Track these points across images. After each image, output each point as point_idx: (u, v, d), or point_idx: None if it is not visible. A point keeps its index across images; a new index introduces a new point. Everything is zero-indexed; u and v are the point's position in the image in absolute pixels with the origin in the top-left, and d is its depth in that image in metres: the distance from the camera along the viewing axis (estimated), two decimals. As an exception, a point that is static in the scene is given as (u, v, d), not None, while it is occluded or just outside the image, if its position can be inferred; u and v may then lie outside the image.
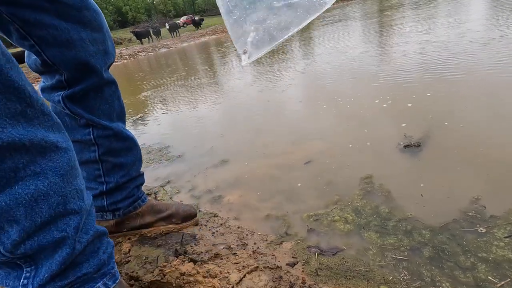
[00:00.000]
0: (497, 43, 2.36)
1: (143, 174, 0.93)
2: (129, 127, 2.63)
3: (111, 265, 0.55)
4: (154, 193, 1.35)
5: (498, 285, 0.64)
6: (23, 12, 0.56)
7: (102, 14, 0.72)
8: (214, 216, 1.07)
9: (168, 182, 1.43)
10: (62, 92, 0.70)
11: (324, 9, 0.57)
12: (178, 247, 0.86)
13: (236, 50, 0.70)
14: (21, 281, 0.46)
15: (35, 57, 0.65)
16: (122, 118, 0.83)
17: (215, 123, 2.15)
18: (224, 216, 1.07)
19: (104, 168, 0.82)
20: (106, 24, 0.73)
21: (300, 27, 0.58)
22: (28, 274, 0.46)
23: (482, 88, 1.63)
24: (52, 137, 0.44)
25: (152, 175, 1.52)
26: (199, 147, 1.77)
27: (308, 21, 0.59)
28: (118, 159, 0.82)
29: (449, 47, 2.55)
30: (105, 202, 0.86)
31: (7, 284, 0.47)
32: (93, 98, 0.73)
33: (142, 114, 2.92)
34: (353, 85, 2.22)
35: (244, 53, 0.68)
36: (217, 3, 0.63)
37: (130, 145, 0.84)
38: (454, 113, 1.43)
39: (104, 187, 0.84)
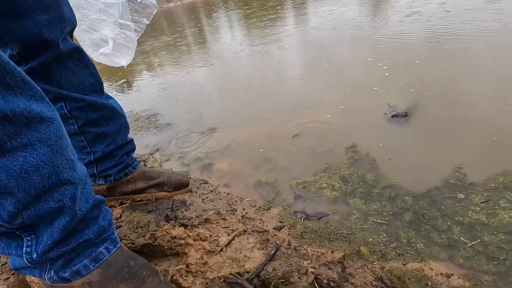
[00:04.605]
0: (494, 7, 2.30)
1: (132, 140, 0.92)
2: (115, 93, 2.54)
3: (111, 231, 0.57)
4: (144, 160, 1.35)
5: (469, 245, 0.69)
6: None
7: None
8: (204, 183, 1.09)
9: (157, 149, 1.42)
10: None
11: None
12: (169, 213, 0.87)
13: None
14: (24, 249, 0.48)
15: None
16: (96, 88, 0.78)
17: (204, 89, 2.10)
18: (214, 183, 1.09)
19: (87, 139, 0.80)
20: None
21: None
22: (29, 243, 0.48)
23: (473, 56, 1.62)
24: (35, 107, 0.42)
25: (141, 143, 1.50)
26: (188, 114, 1.74)
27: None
28: (100, 128, 0.80)
29: (443, 12, 2.48)
30: (95, 170, 0.86)
31: (10, 253, 0.49)
32: (57, 70, 0.69)
33: (127, 79, 2.81)
34: (342, 50, 2.17)
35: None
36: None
37: (109, 113, 0.81)
38: (442, 81, 1.43)
39: (92, 156, 0.83)
